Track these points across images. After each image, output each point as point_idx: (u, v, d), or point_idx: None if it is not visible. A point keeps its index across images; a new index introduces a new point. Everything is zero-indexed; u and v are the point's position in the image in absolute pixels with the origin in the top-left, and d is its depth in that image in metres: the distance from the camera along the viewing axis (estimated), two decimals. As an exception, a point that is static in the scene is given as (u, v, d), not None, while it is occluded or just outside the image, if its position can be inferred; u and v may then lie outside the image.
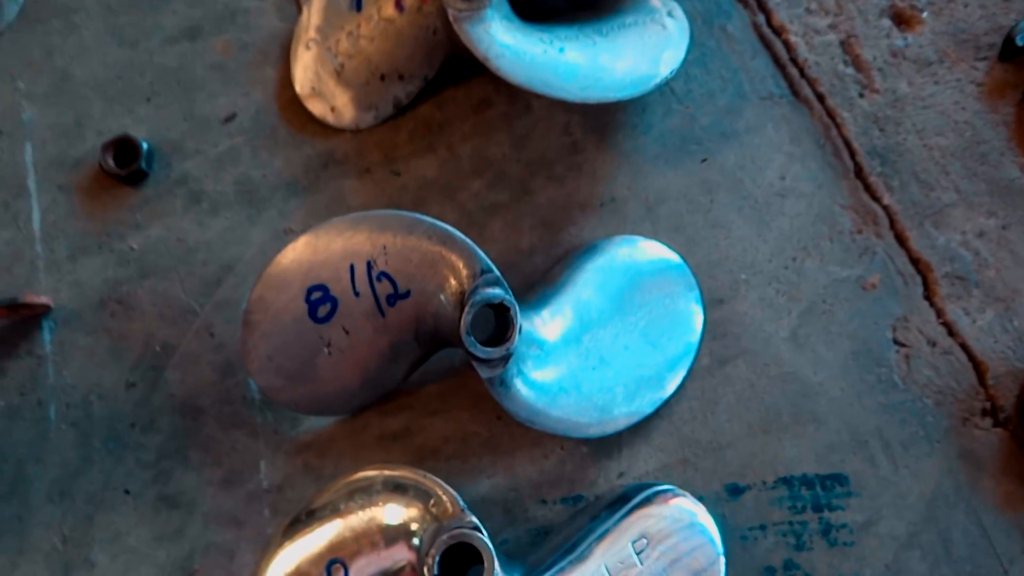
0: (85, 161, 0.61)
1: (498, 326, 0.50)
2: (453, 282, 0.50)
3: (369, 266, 0.51)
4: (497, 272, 0.50)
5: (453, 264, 0.50)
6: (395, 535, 0.49)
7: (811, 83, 0.59)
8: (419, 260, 0.51)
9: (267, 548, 0.50)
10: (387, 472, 0.50)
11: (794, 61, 0.59)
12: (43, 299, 0.58)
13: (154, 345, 0.58)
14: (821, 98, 0.59)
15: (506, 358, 0.49)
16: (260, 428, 0.56)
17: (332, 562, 0.49)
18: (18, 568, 0.55)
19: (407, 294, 0.51)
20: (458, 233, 0.51)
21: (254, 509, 0.55)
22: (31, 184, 0.61)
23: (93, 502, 0.56)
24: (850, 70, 0.59)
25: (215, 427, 0.56)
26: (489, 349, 0.48)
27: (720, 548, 0.49)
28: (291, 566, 0.49)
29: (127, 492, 0.56)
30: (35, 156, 0.61)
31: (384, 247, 0.51)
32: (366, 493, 0.50)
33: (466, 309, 0.48)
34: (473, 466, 0.55)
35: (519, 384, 0.51)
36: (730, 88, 0.59)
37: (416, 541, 0.48)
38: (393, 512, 0.49)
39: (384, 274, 0.51)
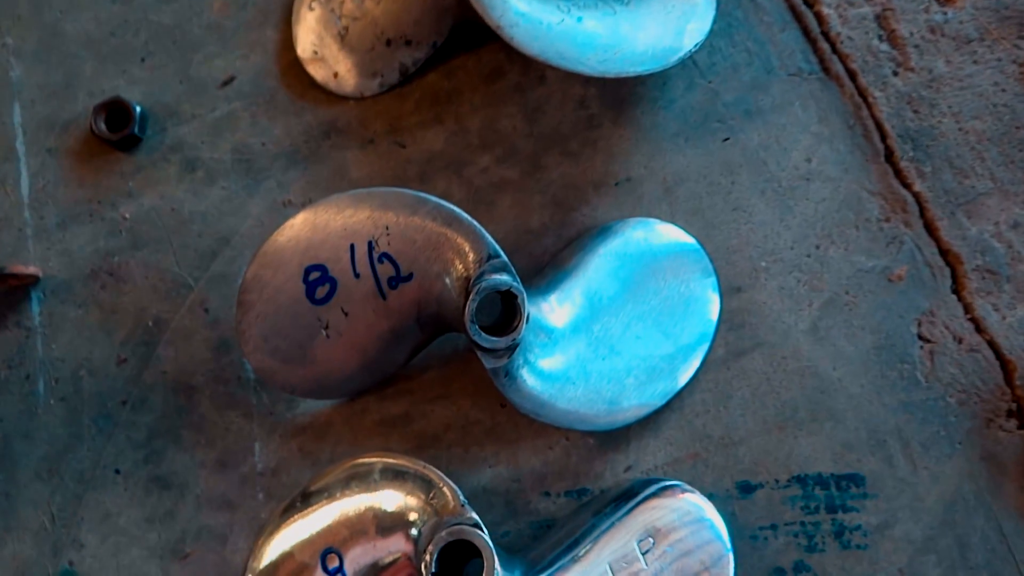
0: (75, 123, 0.58)
1: (504, 311, 0.48)
2: (458, 266, 0.48)
3: (370, 246, 0.49)
4: (504, 257, 0.48)
5: (459, 247, 0.48)
6: (392, 525, 0.48)
7: (843, 59, 0.55)
8: (423, 242, 0.48)
9: (261, 533, 0.49)
10: (386, 459, 0.49)
11: (825, 35, 0.56)
12: (31, 269, 0.56)
13: (146, 320, 0.56)
14: (853, 75, 0.55)
15: (512, 348, 0.47)
16: (255, 409, 0.54)
17: (327, 550, 0.48)
18: (6, 546, 0.54)
19: (409, 277, 0.49)
20: (464, 214, 0.48)
21: (248, 492, 0.54)
22: (19, 147, 0.58)
23: (83, 481, 0.54)
24: (885, 46, 0.55)
25: (209, 407, 0.55)
26: (494, 338, 0.46)
27: (728, 545, 0.48)
28: (285, 552, 0.48)
29: (118, 471, 0.54)
30: (23, 117, 0.58)
31: (386, 227, 0.49)
32: (364, 480, 0.48)
33: (471, 296, 0.46)
34: (475, 455, 0.53)
35: (525, 374, 0.49)
36: (756, 62, 0.56)
37: (414, 532, 0.47)
38: (391, 501, 0.48)
39: (386, 255, 0.49)
